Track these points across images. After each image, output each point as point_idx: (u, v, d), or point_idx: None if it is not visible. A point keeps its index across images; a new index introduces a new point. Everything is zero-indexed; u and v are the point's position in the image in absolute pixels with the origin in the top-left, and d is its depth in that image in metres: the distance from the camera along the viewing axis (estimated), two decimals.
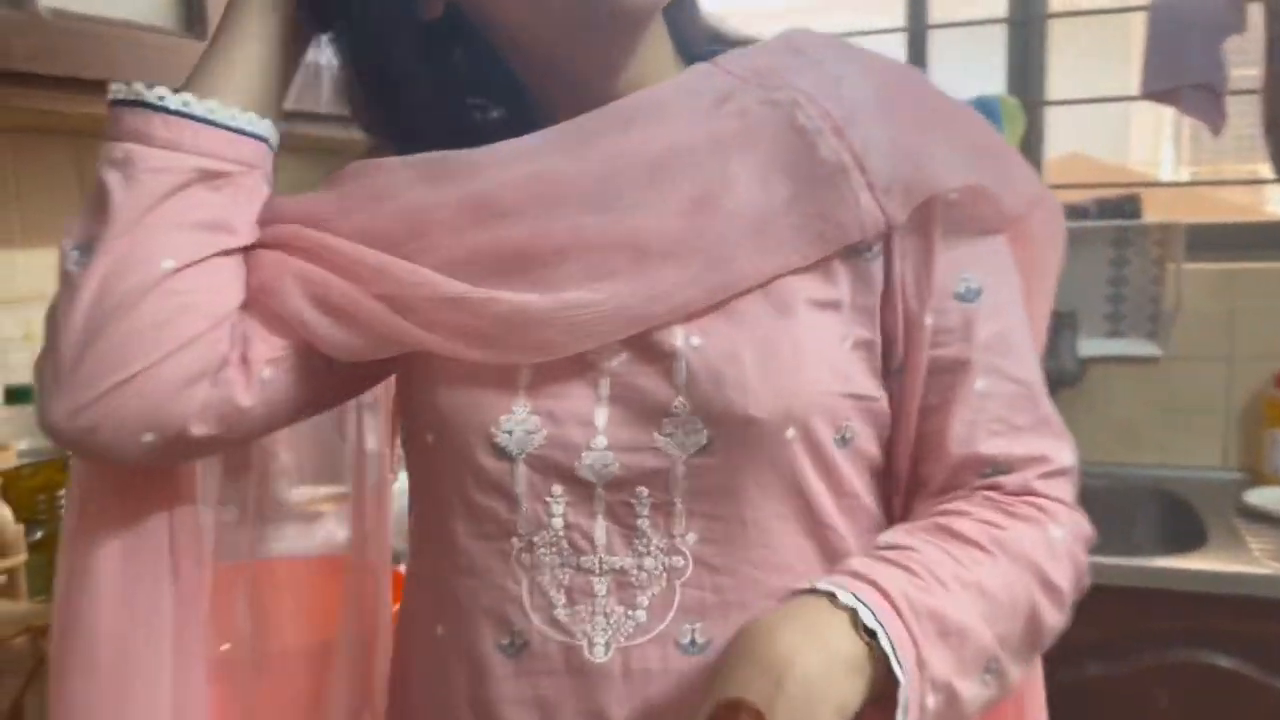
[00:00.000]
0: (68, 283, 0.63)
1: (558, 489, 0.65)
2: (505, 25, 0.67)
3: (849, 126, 0.64)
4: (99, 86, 1.12)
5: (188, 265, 0.63)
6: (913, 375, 0.69)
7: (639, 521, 0.65)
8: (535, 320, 0.62)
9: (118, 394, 0.62)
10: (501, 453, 0.65)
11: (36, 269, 1.31)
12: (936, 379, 0.68)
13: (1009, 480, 0.69)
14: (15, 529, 1.09)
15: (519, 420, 0.65)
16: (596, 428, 0.65)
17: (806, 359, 0.64)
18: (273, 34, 0.68)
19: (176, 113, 0.64)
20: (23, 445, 1.17)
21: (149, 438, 0.64)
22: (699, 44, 0.73)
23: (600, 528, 0.65)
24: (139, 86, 0.65)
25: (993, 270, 0.69)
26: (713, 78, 0.68)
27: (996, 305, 0.69)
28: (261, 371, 0.66)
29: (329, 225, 0.66)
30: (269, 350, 0.67)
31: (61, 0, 1.04)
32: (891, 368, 0.69)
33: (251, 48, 0.68)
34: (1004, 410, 0.69)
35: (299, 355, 0.68)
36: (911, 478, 0.72)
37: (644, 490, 0.65)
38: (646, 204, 0.63)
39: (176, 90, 0.66)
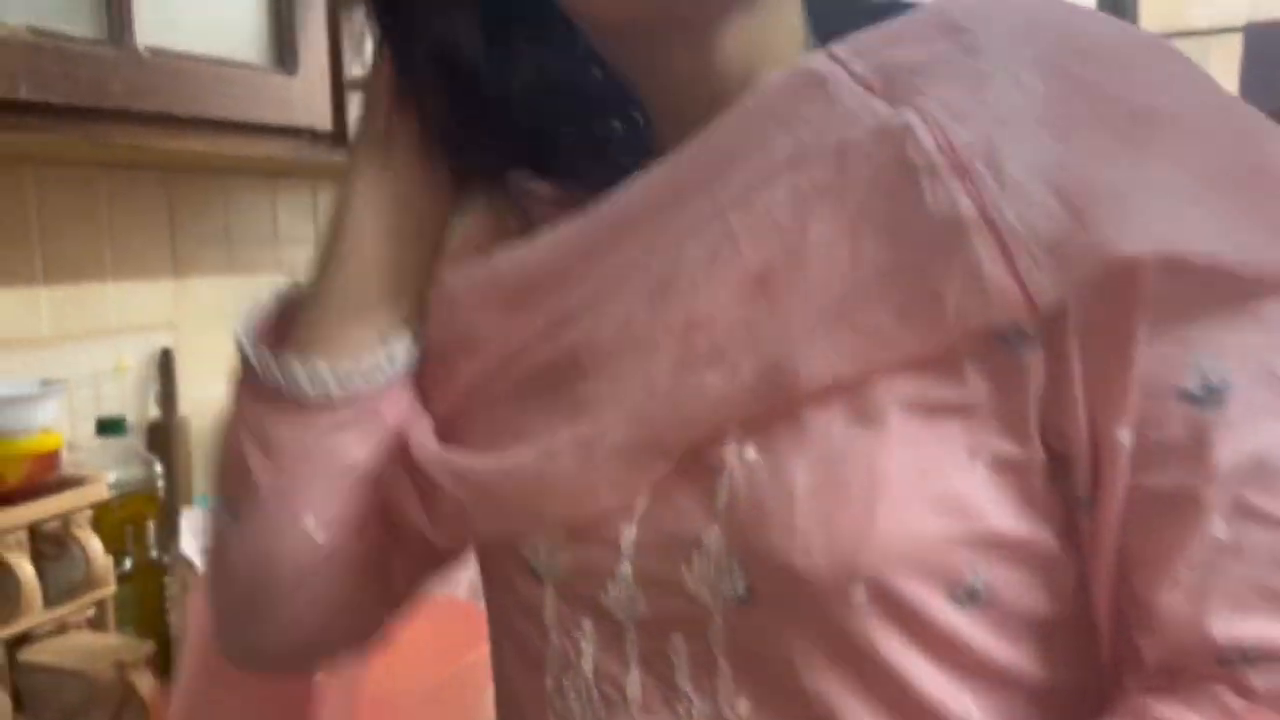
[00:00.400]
0: (220, 539, 0.63)
1: (586, 623, 0.53)
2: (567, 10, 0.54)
3: (983, 160, 0.44)
4: (191, 123, 1.16)
5: (328, 518, 0.60)
6: (1104, 510, 0.47)
7: (677, 677, 0.51)
8: (548, 489, 0.52)
9: (275, 649, 0.65)
10: (533, 574, 0.55)
11: (127, 302, 1.34)
12: (1145, 519, 0.46)
13: (1263, 681, 0.45)
14: (104, 561, 1.10)
15: (546, 534, 0.54)
16: (622, 552, 0.51)
17: (890, 490, 0.45)
18: (397, 207, 0.58)
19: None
20: (111, 477, 1.18)
21: (302, 664, 0.73)
22: (834, 14, 0.54)
23: (634, 680, 0.52)
24: (270, 364, 0.57)
25: (1253, 354, 0.45)
26: (821, 86, 0.49)
27: (1258, 408, 0.45)
28: (397, 585, 0.65)
29: (432, 398, 0.59)
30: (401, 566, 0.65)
31: (159, 38, 1.06)
32: (1078, 495, 0.48)
33: (377, 247, 0.58)
34: (1259, 571, 0.45)
35: (425, 557, 0.64)
36: (1118, 643, 0.49)
37: (680, 639, 0.50)
38: (703, 285, 0.49)
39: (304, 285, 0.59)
